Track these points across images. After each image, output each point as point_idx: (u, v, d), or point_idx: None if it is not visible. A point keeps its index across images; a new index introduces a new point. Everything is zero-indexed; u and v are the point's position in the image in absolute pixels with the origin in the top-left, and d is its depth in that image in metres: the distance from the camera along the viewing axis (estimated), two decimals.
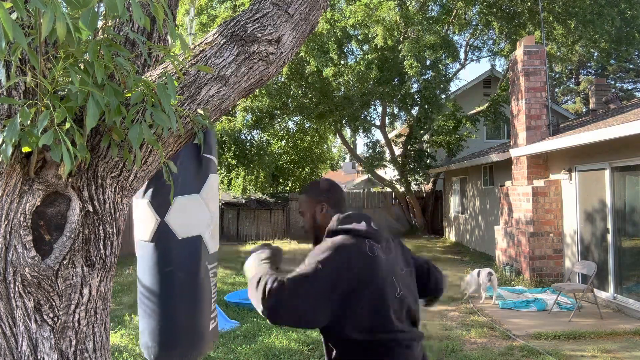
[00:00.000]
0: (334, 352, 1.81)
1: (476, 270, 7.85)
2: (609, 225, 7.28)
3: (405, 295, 1.87)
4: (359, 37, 14.33)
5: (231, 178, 18.57)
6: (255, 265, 1.94)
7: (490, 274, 7.64)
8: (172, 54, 1.83)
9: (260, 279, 1.77)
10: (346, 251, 1.78)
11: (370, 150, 16.69)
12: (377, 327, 1.76)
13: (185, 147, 2.20)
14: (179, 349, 2.57)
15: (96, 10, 1.37)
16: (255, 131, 17.39)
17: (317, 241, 2.02)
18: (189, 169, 2.50)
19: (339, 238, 1.84)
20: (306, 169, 21.90)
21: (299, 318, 1.72)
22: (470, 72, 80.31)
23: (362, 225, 1.88)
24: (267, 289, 1.70)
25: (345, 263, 1.75)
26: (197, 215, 2.59)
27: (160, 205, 2.46)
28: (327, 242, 1.84)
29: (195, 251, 2.59)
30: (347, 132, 19.81)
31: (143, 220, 2.52)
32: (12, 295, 1.62)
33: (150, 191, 2.48)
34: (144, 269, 2.59)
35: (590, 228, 7.88)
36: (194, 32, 13.38)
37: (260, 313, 1.73)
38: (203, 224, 2.60)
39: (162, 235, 2.49)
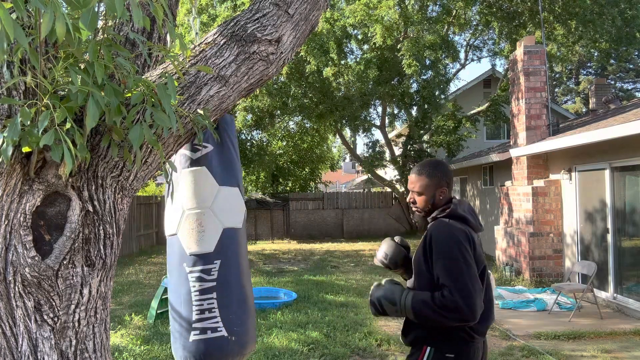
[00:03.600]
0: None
1: None
2: (609, 225, 7.28)
3: (488, 284, 2.13)
4: (359, 37, 14.33)
5: None
6: (395, 296, 2.06)
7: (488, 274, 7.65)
8: (172, 54, 1.83)
9: (426, 303, 1.94)
10: (462, 235, 1.98)
11: (370, 150, 16.69)
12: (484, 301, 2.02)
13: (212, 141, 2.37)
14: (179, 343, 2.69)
15: (96, 10, 1.37)
16: (255, 131, 17.39)
17: (425, 217, 2.19)
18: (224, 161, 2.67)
19: (452, 224, 2.02)
20: (306, 169, 21.90)
21: (481, 300, 1.94)
22: (470, 72, 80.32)
23: (471, 216, 2.10)
24: (443, 305, 1.89)
25: (466, 242, 1.97)
26: (170, 214, 2.62)
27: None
28: (445, 230, 2.01)
29: (173, 251, 2.61)
30: (347, 132, 19.82)
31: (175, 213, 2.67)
32: (12, 295, 1.62)
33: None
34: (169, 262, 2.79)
35: (590, 228, 7.88)
36: (197, 32, 13.39)
37: (460, 323, 1.91)
38: (176, 223, 2.61)
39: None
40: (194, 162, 2.54)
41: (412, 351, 2.09)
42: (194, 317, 2.52)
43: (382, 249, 2.29)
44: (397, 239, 2.33)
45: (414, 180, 2.17)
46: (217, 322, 2.54)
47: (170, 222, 2.60)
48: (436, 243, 1.98)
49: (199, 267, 2.53)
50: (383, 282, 2.16)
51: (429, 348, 2.01)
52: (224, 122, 2.57)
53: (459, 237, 1.97)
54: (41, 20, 1.37)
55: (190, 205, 2.55)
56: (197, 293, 2.52)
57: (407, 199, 2.24)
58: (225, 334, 2.54)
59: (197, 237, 2.54)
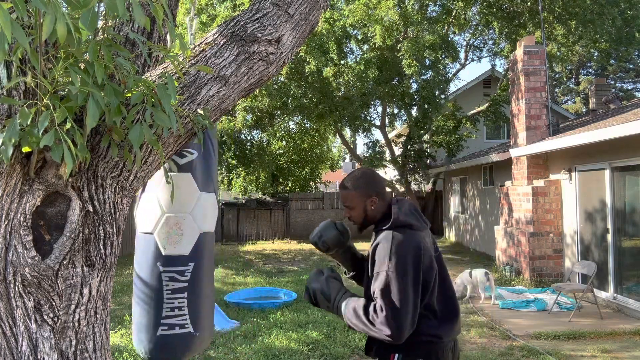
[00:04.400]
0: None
1: (467, 271, 7.85)
2: (609, 225, 7.28)
3: (448, 284, 2.07)
4: (359, 37, 14.33)
5: (231, 178, 18.57)
6: (332, 292, 2.05)
7: (487, 273, 7.66)
8: (172, 54, 1.83)
9: (358, 315, 1.91)
10: (410, 248, 1.91)
11: (370, 150, 16.68)
12: (433, 306, 1.97)
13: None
14: (149, 345, 2.68)
15: (96, 10, 1.37)
16: (255, 131, 17.39)
17: (362, 229, 2.17)
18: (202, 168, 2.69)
19: (402, 237, 1.93)
20: (306, 169, 21.89)
21: (409, 321, 1.86)
22: (470, 72, 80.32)
23: (415, 220, 2.01)
24: (372, 319, 1.86)
25: (411, 258, 1.90)
26: (149, 211, 2.64)
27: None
28: (389, 241, 1.92)
29: (147, 249, 2.64)
30: (347, 132, 19.81)
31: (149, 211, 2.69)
32: (12, 295, 1.62)
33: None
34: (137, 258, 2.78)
35: (590, 228, 7.88)
36: (193, 32, 13.39)
37: (383, 339, 1.86)
38: (153, 222, 2.63)
39: (131, 229, 2.65)
40: (179, 168, 2.63)
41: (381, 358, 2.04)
42: (164, 313, 2.64)
43: (317, 229, 2.26)
44: (337, 222, 2.29)
45: (342, 196, 2.14)
46: (186, 319, 2.67)
47: (146, 220, 2.64)
48: (378, 257, 1.92)
49: (174, 268, 2.64)
50: (324, 271, 2.11)
51: (397, 355, 1.97)
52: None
53: (403, 251, 1.89)
54: (41, 20, 1.37)
55: (171, 209, 2.63)
56: (170, 292, 2.63)
57: (343, 215, 2.20)
58: (192, 331, 2.69)
59: (175, 239, 2.63)
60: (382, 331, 1.83)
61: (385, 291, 1.85)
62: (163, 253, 2.62)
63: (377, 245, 1.96)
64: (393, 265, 1.86)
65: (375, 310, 1.86)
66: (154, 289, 2.61)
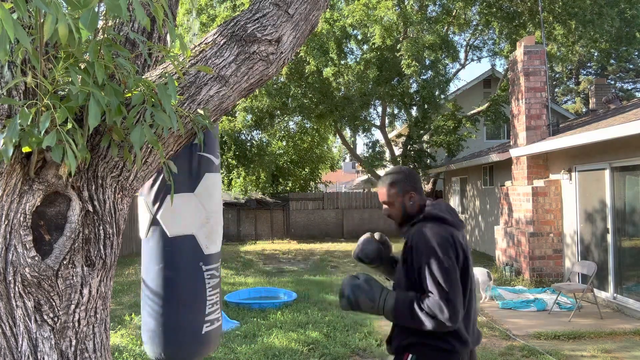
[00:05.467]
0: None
1: None
2: (609, 225, 7.28)
3: (472, 287, 2.10)
4: (358, 37, 14.33)
5: (231, 178, 18.57)
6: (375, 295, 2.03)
7: (489, 273, 7.67)
8: (172, 54, 1.83)
9: (410, 306, 1.92)
10: (446, 238, 1.97)
11: (370, 150, 16.69)
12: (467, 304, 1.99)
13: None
14: (164, 349, 2.58)
15: (96, 10, 1.37)
16: (255, 131, 17.39)
17: (402, 225, 2.17)
18: (181, 168, 2.50)
19: (432, 226, 1.99)
20: (306, 169, 21.89)
21: (461, 304, 1.92)
22: (470, 72, 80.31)
23: (450, 215, 2.07)
24: (427, 309, 1.88)
25: (450, 246, 1.96)
26: (190, 214, 2.59)
27: (154, 202, 2.49)
28: (427, 233, 1.97)
29: (187, 250, 2.59)
30: (347, 132, 19.81)
31: (142, 217, 2.56)
32: (12, 295, 1.62)
33: (147, 188, 2.51)
34: (143, 268, 2.64)
35: (590, 228, 7.88)
36: (196, 32, 13.40)
37: (440, 329, 1.89)
38: (197, 224, 2.59)
39: (155, 233, 2.51)
40: (216, 169, 2.80)
41: (395, 358, 2.08)
42: (207, 310, 2.67)
43: (358, 244, 2.30)
44: (376, 235, 2.32)
45: (381, 193, 2.17)
46: (219, 313, 2.79)
47: (185, 223, 2.59)
48: (417, 250, 1.96)
49: (213, 265, 2.75)
50: (359, 276, 2.11)
51: (410, 355, 1.99)
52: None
53: (439, 240, 1.94)
54: (42, 20, 1.37)
55: (212, 209, 2.69)
56: (210, 289, 2.71)
57: (382, 212, 2.22)
58: (221, 323, 2.82)
59: (213, 238, 2.71)
60: (436, 319, 1.86)
61: (433, 279, 1.89)
62: (205, 252, 2.67)
63: (411, 239, 2.00)
64: (434, 255, 1.91)
65: (428, 298, 1.89)
66: (198, 289, 2.63)
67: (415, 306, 1.90)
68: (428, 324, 1.88)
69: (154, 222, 2.53)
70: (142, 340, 2.64)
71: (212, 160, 2.69)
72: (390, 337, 2.12)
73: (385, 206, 2.17)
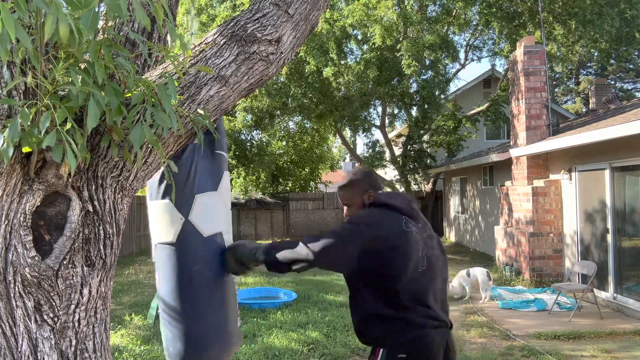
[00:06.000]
0: (361, 297, 2.08)
1: (464, 270, 7.83)
2: (609, 225, 7.28)
3: (431, 276, 2.08)
4: (358, 37, 14.33)
5: (231, 178, 18.57)
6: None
7: (488, 273, 7.67)
8: (172, 54, 1.83)
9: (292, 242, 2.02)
10: (378, 218, 2.03)
11: (370, 150, 16.69)
12: (400, 287, 2.00)
13: (195, 145, 2.25)
14: (210, 352, 2.51)
15: (97, 10, 1.37)
16: (255, 131, 17.39)
17: None
18: (206, 167, 2.47)
19: (372, 209, 2.08)
20: (306, 169, 21.89)
21: (335, 262, 2.02)
22: (470, 72, 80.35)
23: (397, 202, 2.10)
24: (308, 239, 1.97)
25: (377, 227, 2.00)
26: (217, 211, 2.58)
27: (182, 204, 2.42)
28: (365, 210, 2.09)
29: (219, 248, 2.56)
30: (347, 132, 19.81)
31: (165, 221, 2.43)
32: (12, 295, 1.62)
33: (168, 191, 2.41)
34: (167, 273, 2.48)
35: (590, 228, 7.88)
36: (194, 32, 13.40)
37: (303, 257, 1.96)
38: (222, 220, 2.59)
39: (188, 235, 2.43)
40: (228, 165, 2.82)
41: (370, 351, 2.12)
42: (238, 311, 2.76)
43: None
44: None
45: (340, 195, 2.24)
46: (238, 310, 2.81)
47: (217, 221, 2.56)
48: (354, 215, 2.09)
49: None
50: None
51: (382, 350, 2.03)
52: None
53: (363, 215, 2.05)
54: (42, 20, 1.37)
55: (229, 205, 2.73)
56: (237, 288, 2.81)
57: (344, 215, 2.28)
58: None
59: (230, 232, 2.73)
60: (310, 250, 1.94)
61: (328, 233, 1.99)
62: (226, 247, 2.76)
63: None
64: (354, 219, 2.03)
65: (315, 236, 1.99)
66: (233, 289, 2.65)
67: (295, 242, 2.01)
68: (295, 252, 1.98)
69: (186, 224, 2.46)
70: (170, 353, 2.51)
71: (225, 157, 2.71)
72: (360, 329, 2.16)
73: (345, 208, 2.23)
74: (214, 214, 2.54)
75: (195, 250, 2.47)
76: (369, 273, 2.01)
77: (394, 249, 1.97)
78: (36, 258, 1.62)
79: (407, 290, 1.99)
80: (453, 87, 18.20)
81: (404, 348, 1.99)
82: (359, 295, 2.09)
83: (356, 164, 23.73)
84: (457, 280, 7.77)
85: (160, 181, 2.40)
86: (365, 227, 1.98)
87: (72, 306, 1.70)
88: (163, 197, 2.39)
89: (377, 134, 18.30)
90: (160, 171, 2.27)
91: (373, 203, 2.10)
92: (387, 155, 16.90)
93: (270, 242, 2.13)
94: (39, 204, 1.65)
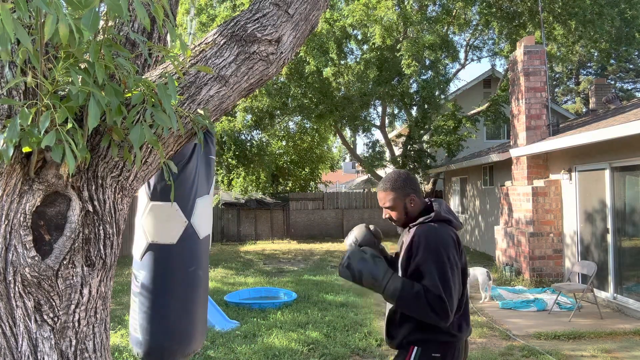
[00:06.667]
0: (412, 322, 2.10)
1: None
2: (609, 225, 7.28)
3: (466, 281, 2.17)
4: (358, 37, 14.33)
5: (231, 178, 18.57)
6: (376, 271, 2.10)
7: (488, 273, 7.67)
8: (172, 54, 1.83)
9: (417, 293, 1.99)
10: (449, 237, 2.07)
11: (370, 150, 16.69)
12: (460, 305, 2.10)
13: (198, 150, 2.27)
14: (193, 345, 2.61)
15: (97, 10, 1.37)
16: (255, 131, 17.38)
17: (404, 226, 2.25)
18: (203, 171, 2.55)
19: (437, 227, 2.08)
20: (306, 169, 21.88)
21: (458, 305, 2.06)
22: (470, 72, 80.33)
23: (453, 217, 2.17)
24: (432, 303, 1.96)
25: (453, 247, 2.06)
26: (208, 215, 2.67)
27: (187, 207, 2.49)
28: (431, 233, 2.07)
29: (207, 249, 2.67)
30: (347, 132, 19.81)
31: (169, 223, 2.48)
32: (12, 295, 1.62)
33: (176, 194, 2.45)
34: (163, 272, 2.53)
35: (590, 228, 7.88)
36: (193, 32, 13.39)
37: (433, 321, 1.99)
38: (210, 223, 2.69)
39: (187, 237, 2.51)
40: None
41: (399, 352, 2.16)
42: None
43: (352, 234, 2.35)
44: (371, 227, 2.38)
45: (382, 197, 2.24)
46: None
47: (208, 223, 2.69)
48: (425, 247, 2.03)
49: None
50: (367, 251, 2.17)
51: (416, 348, 2.08)
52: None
53: (448, 241, 2.05)
54: (42, 20, 1.37)
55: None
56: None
57: (383, 216, 2.29)
58: None
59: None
60: (437, 314, 1.95)
61: (440, 277, 1.97)
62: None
63: (420, 236, 2.06)
64: (442, 254, 2.00)
65: (429, 292, 1.97)
66: (207, 285, 2.76)
67: (422, 294, 1.98)
68: (426, 314, 1.97)
69: (188, 226, 2.54)
70: (149, 345, 2.55)
71: (214, 160, 2.73)
72: (390, 331, 2.19)
73: (386, 210, 2.24)
74: (208, 216, 2.63)
75: (191, 251, 2.54)
76: None
77: (463, 267, 2.10)
78: (36, 258, 1.62)
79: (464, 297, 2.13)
80: (453, 87, 18.22)
81: (440, 348, 2.07)
82: None
83: (356, 164, 23.71)
84: None
85: (165, 183, 2.44)
86: (452, 251, 2.04)
87: (72, 306, 1.70)
88: (168, 199, 2.42)
89: (377, 134, 18.31)
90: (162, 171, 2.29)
91: (435, 218, 2.11)
92: (387, 155, 16.90)
93: (400, 288, 2.04)
94: (39, 204, 1.65)
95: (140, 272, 2.55)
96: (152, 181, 2.44)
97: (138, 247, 2.57)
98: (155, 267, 2.50)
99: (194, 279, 2.55)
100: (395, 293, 2.02)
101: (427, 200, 2.25)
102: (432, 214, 2.13)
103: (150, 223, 2.50)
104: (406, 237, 2.14)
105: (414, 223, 2.17)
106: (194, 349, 2.62)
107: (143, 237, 2.53)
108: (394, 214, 2.23)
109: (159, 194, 2.47)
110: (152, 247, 2.51)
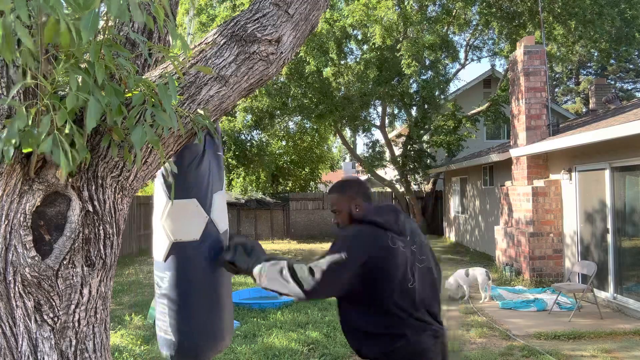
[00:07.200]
0: (350, 316, 2.11)
1: (463, 270, 7.82)
2: (609, 225, 7.28)
3: (421, 288, 2.09)
4: (358, 37, 14.33)
5: (231, 178, 18.57)
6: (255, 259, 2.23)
7: (487, 272, 7.67)
8: (172, 54, 1.83)
9: (282, 268, 2.07)
10: (367, 238, 2.05)
11: (370, 150, 16.69)
12: (386, 305, 2.02)
13: (209, 145, 2.28)
14: (222, 342, 2.63)
15: (97, 11, 1.37)
16: (255, 131, 17.39)
17: None
18: (215, 167, 2.57)
19: (360, 227, 2.09)
20: (306, 169, 21.89)
21: (330, 293, 2.08)
22: (470, 72, 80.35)
23: (384, 219, 2.10)
24: (300, 275, 2.01)
25: (367, 248, 2.01)
26: (225, 210, 2.71)
27: (205, 203, 2.51)
28: (350, 230, 2.11)
29: (224, 244, 2.68)
30: (347, 132, 19.82)
31: (191, 220, 2.52)
32: (12, 295, 1.62)
33: (194, 191, 2.47)
34: (189, 270, 2.55)
35: (590, 228, 7.88)
36: (191, 32, 13.39)
37: (294, 295, 2.01)
38: (227, 218, 2.73)
39: (209, 232, 2.53)
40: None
41: None
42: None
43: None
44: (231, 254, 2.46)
45: (330, 200, 2.28)
46: None
47: (226, 217, 2.72)
48: (339, 237, 2.10)
49: None
50: (249, 241, 2.34)
51: None
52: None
53: (354, 235, 2.07)
54: (42, 21, 1.37)
55: None
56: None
57: (332, 221, 2.32)
58: None
59: None
60: (303, 288, 1.98)
61: (328, 262, 2.00)
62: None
63: (336, 236, 2.12)
64: (339, 245, 2.03)
65: (307, 268, 2.02)
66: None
67: (285, 270, 2.06)
68: (287, 287, 2.02)
69: (209, 222, 2.56)
70: (185, 346, 2.56)
71: (222, 157, 2.76)
72: (353, 344, 2.15)
73: (334, 214, 2.26)
74: (224, 211, 2.68)
75: (213, 246, 2.58)
76: (357, 293, 2.03)
77: (381, 270, 1.99)
78: (36, 258, 1.62)
79: (397, 306, 2.01)
80: (453, 87, 18.24)
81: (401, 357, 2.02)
82: (348, 314, 2.11)
83: (357, 164, 23.73)
84: (453, 278, 7.74)
85: (183, 180, 2.44)
86: (356, 251, 2.00)
87: (72, 306, 1.70)
88: (188, 196, 2.45)
89: (377, 134, 18.31)
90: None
91: (361, 220, 2.11)
92: (387, 155, 16.90)
93: (268, 261, 2.16)
94: (39, 204, 1.65)
95: (165, 274, 2.54)
96: (170, 180, 2.45)
97: (160, 248, 2.55)
98: (182, 265, 2.52)
99: (220, 273, 2.59)
100: (260, 270, 2.14)
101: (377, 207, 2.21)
102: (362, 215, 2.13)
103: (172, 222, 2.52)
104: None
105: None
106: (225, 344, 2.64)
107: (165, 237, 2.53)
108: (339, 218, 2.22)
109: (177, 193, 2.49)
110: (175, 246, 2.52)
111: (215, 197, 2.52)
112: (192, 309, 2.51)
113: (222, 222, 2.61)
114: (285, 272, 2.04)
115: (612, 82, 27.44)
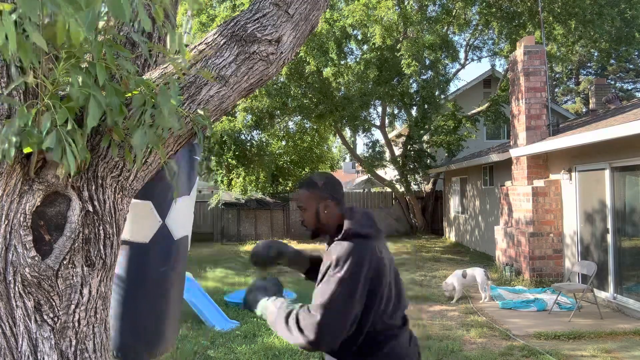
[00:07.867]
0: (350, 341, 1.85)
1: (461, 270, 7.82)
2: (609, 226, 7.28)
3: (402, 291, 1.98)
4: (358, 37, 14.33)
5: (231, 178, 18.56)
6: (271, 304, 1.96)
7: (486, 272, 7.67)
8: (172, 54, 1.83)
9: (288, 315, 1.83)
10: (364, 258, 1.82)
11: (370, 150, 16.69)
12: (383, 321, 1.88)
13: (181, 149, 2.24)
14: (161, 346, 2.60)
15: (96, 12, 1.37)
16: (255, 131, 17.38)
17: (314, 236, 2.05)
18: (184, 172, 2.52)
19: (356, 246, 1.84)
20: (306, 169, 21.86)
21: (342, 333, 1.79)
22: (470, 72, 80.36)
23: (372, 229, 1.92)
24: (301, 324, 1.76)
25: (365, 269, 1.81)
26: (187, 216, 2.64)
27: (163, 207, 2.46)
28: (344, 249, 1.83)
29: (184, 251, 2.63)
30: (347, 132, 19.81)
31: (142, 223, 2.48)
32: (12, 295, 1.62)
33: (152, 193, 2.44)
34: (134, 271, 2.53)
35: (590, 228, 7.88)
36: (188, 32, 13.38)
37: (300, 346, 1.79)
38: (190, 224, 2.64)
39: (160, 238, 2.48)
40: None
41: None
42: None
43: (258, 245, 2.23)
44: (274, 247, 2.21)
45: (298, 196, 2.05)
46: None
47: (186, 224, 2.65)
48: (326, 265, 1.85)
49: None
50: (269, 279, 2.07)
51: None
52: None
53: (353, 261, 1.79)
54: (45, 21, 1.37)
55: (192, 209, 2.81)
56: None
57: (299, 218, 2.22)
58: None
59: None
60: (305, 335, 1.75)
61: (328, 296, 1.76)
62: (188, 250, 2.82)
63: (330, 252, 1.88)
64: (342, 274, 1.77)
65: (308, 311, 1.78)
66: (181, 288, 2.79)
67: (291, 319, 1.82)
68: (292, 336, 1.79)
69: (162, 227, 2.50)
70: (117, 342, 2.54)
71: (198, 162, 2.71)
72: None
73: (300, 212, 2.06)
74: (185, 217, 2.61)
75: (164, 252, 2.53)
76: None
77: (374, 294, 1.84)
78: (36, 258, 1.62)
79: (382, 315, 1.88)
80: (453, 87, 18.24)
81: None
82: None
83: (356, 164, 23.72)
84: (451, 279, 7.73)
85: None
86: (359, 276, 1.79)
87: (72, 306, 1.70)
88: (144, 198, 2.38)
89: (377, 134, 18.32)
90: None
91: (348, 236, 1.87)
92: (387, 155, 16.90)
93: (276, 308, 1.91)
94: (39, 204, 1.65)
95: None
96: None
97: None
98: (127, 265, 2.49)
99: (165, 279, 2.54)
100: (266, 317, 1.93)
101: (346, 211, 1.99)
102: (347, 229, 1.87)
103: (128, 222, 2.52)
104: (324, 257, 1.91)
105: (331, 241, 1.96)
106: (162, 349, 2.62)
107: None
108: (305, 217, 2.02)
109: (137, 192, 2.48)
110: (125, 245, 2.49)
111: (178, 201, 2.45)
112: (131, 309, 2.49)
113: (182, 228, 2.54)
114: (291, 320, 1.83)
115: (612, 82, 27.44)
